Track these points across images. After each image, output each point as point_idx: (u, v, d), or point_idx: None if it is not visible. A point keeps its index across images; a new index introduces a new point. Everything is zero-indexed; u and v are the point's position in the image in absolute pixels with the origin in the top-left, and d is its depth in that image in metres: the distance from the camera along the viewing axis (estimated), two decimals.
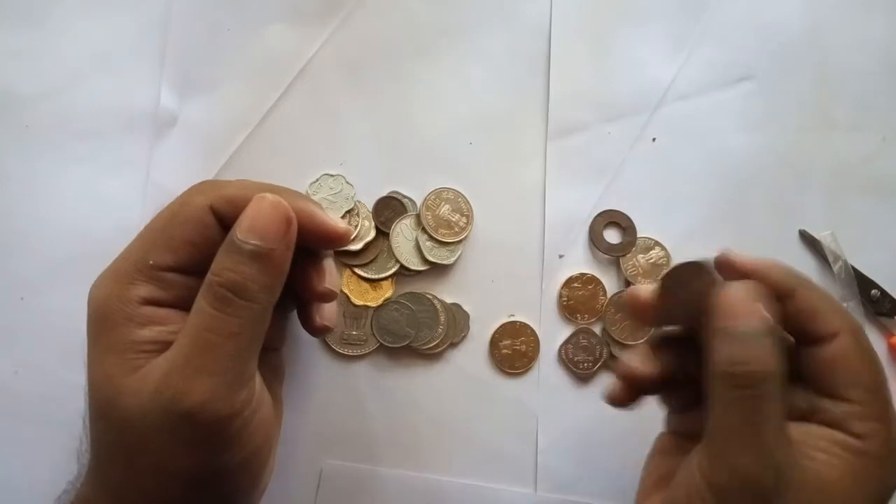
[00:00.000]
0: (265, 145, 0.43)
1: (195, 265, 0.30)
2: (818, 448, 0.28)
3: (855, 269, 0.42)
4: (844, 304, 0.41)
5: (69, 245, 0.41)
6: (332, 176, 0.42)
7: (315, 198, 0.42)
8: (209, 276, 0.28)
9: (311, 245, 0.32)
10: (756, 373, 0.27)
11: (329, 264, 0.34)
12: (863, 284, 0.41)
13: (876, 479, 0.28)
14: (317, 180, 0.42)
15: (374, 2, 0.44)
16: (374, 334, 0.40)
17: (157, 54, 0.43)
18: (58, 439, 0.39)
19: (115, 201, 0.42)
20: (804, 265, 0.42)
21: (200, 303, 0.28)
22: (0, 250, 0.41)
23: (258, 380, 0.30)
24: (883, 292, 0.41)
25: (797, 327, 0.29)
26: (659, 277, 0.30)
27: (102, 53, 0.43)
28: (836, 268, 0.41)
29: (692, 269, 0.30)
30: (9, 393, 0.40)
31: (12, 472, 0.39)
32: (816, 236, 0.42)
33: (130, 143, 0.42)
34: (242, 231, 0.28)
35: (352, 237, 0.34)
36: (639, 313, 0.32)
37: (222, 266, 0.28)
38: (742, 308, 0.28)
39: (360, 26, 0.44)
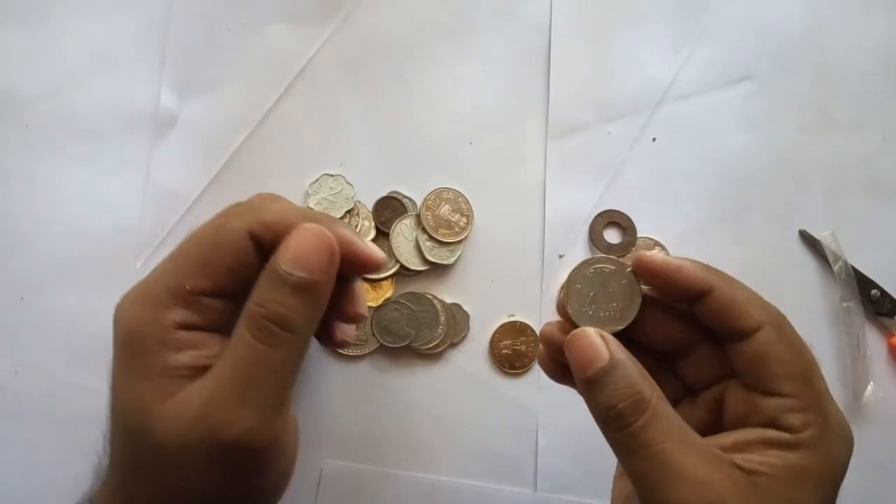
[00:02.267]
0: (265, 145, 0.43)
1: (230, 289, 0.29)
2: (752, 451, 0.27)
3: (855, 269, 0.42)
4: (844, 305, 0.41)
5: (69, 245, 0.41)
6: (332, 176, 0.42)
7: (315, 198, 0.42)
8: (251, 306, 0.28)
9: (347, 272, 0.31)
10: (624, 409, 0.27)
11: (359, 287, 0.34)
12: (863, 284, 0.41)
13: (815, 471, 0.26)
14: (317, 180, 0.42)
15: (374, 2, 0.44)
16: (374, 334, 0.40)
17: (157, 54, 0.43)
18: (58, 439, 0.39)
19: (115, 201, 0.42)
20: (804, 265, 0.42)
21: (242, 332, 0.28)
22: (0, 250, 0.41)
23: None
24: (883, 292, 0.41)
25: (720, 325, 0.29)
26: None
27: (102, 53, 0.43)
28: (836, 268, 0.41)
29: (614, 275, 0.30)
30: (9, 393, 0.40)
31: (12, 471, 0.39)
32: (816, 236, 0.42)
33: (130, 143, 0.42)
34: (287, 263, 0.28)
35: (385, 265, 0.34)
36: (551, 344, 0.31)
37: (266, 297, 0.28)
38: (585, 358, 0.28)
39: (360, 26, 0.44)
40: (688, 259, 0.29)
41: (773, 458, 0.26)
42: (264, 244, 0.29)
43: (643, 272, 0.29)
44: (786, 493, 0.26)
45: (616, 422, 0.27)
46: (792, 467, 0.26)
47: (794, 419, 0.27)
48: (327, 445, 0.40)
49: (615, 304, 0.29)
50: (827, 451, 0.27)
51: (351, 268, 0.31)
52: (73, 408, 0.38)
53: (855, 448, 0.41)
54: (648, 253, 0.30)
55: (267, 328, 0.28)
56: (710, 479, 0.26)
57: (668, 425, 0.27)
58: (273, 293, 0.28)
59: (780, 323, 0.28)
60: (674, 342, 0.30)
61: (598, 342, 0.28)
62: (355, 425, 0.41)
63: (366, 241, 0.31)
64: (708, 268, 0.29)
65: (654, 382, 0.27)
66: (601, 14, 0.44)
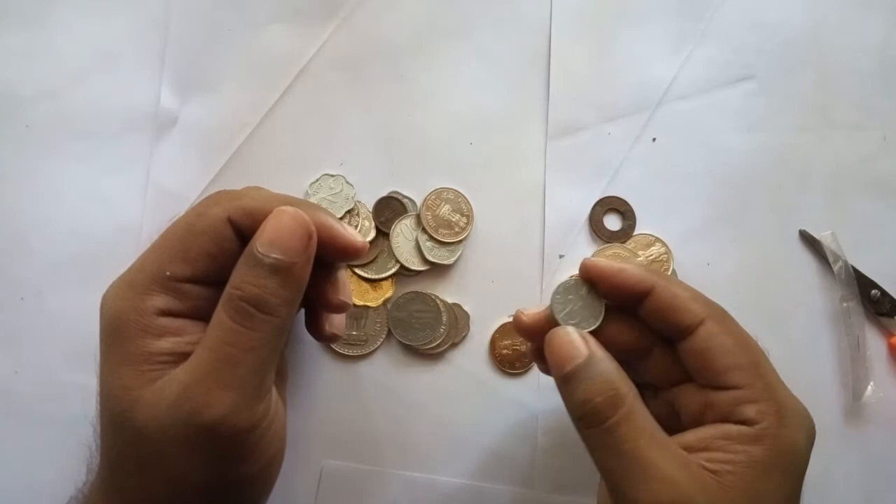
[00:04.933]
0: (265, 145, 0.43)
1: (211, 276, 0.30)
2: (716, 449, 0.27)
3: (855, 269, 0.42)
4: (844, 305, 0.41)
5: (69, 245, 0.41)
6: (332, 176, 0.42)
7: (315, 198, 0.42)
8: (229, 289, 0.28)
9: (327, 258, 0.32)
10: (600, 404, 0.27)
11: (342, 276, 0.34)
12: (863, 284, 0.41)
13: (778, 462, 0.27)
14: (317, 180, 0.42)
15: (374, 2, 0.44)
16: (388, 327, 0.40)
17: (157, 54, 0.43)
18: (58, 439, 0.39)
19: (115, 201, 0.42)
20: (804, 265, 0.42)
21: (220, 316, 0.28)
22: (0, 250, 0.41)
23: (273, 390, 0.30)
24: (883, 292, 0.41)
25: (664, 323, 0.30)
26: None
27: (102, 53, 0.43)
28: (836, 268, 0.41)
29: (576, 285, 0.31)
30: (9, 393, 0.40)
31: (12, 471, 0.39)
32: (816, 236, 0.42)
33: (130, 143, 0.42)
34: (263, 244, 0.28)
35: (367, 251, 0.34)
36: (526, 334, 0.32)
37: (243, 279, 0.28)
38: (563, 354, 0.28)
39: (360, 26, 0.44)
40: (625, 264, 0.30)
41: (737, 454, 0.27)
42: (244, 230, 0.30)
43: (590, 277, 0.30)
44: (752, 488, 0.26)
45: (592, 416, 0.27)
46: (756, 461, 0.27)
47: (749, 411, 0.27)
48: (327, 445, 0.40)
49: (584, 311, 0.31)
50: (787, 440, 0.27)
51: (332, 253, 0.31)
52: (73, 408, 0.38)
53: (855, 448, 0.42)
54: (593, 258, 0.31)
55: (244, 310, 0.28)
56: (679, 478, 0.26)
57: (643, 423, 0.27)
58: (249, 275, 0.28)
59: (722, 316, 0.29)
60: (632, 346, 0.31)
61: (576, 339, 0.28)
62: (355, 425, 0.41)
63: (346, 227, 0.31)
64: (649, 269, 0.30)
65: (630, 381, 0.28)
66: (601, 14, 0.44)
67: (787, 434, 0.27)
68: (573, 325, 0.30)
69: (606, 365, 0.28)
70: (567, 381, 0.28)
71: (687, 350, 0.29)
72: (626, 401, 0.27)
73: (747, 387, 0.28)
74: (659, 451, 0.26)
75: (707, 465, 0.27)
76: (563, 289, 0.31)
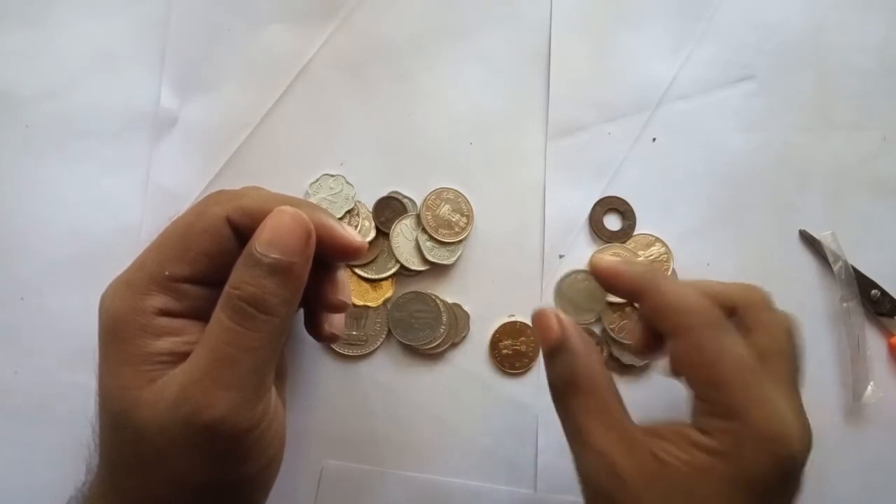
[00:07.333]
0: (265, 145, 0.43)
1: (210, 276, 0.30)
2: (674, 445, 0.29)
3: (855, 269, 0.42)
4: (844, 305, 0.41)
5: (69, 245, 0.41)
6: (332, 176, 0.42)
7: (315, 198, 0.42)
8: (228, 289, 0.28)
9: (326, 258, 0.31)
10: (559, 385, 0.31)
11: (342, 275, 0.34)
12: (863, 284, 0.41)
13: (727, 477, 0.27)
14: (317, 180, 0.42)
15: (374, 2, 0.44)
16: (389, 327, 0.40)
17: (157, 54, 0.43)
18: (58, 439, 0.39)
19: (115, 201, 0.42)
20: (804, 265, 0.42)
21: (219, 316, 0.28)
22: (0, 250, 0.41)
23: (273, 390, 0.30)
24: (883, 292, 0.41)
25: (659, 324, 0.31)
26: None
27: (102, 53, 0.43)
28: (836, 268, 0.41)
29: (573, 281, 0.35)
30: (9, 393, 0.40)
31: (12, 471, 0.40)
32: (816, 236, 0.42)
33: (130, 143, 0.42)
34: (262, 244, 0.28)
35: (367, 251, 0.34)
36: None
37: (242, 279, 0.28)
38: (541, 333, 0.31)
39: (360, 26, 0.44)
40: (635, 262, 0.32)
41: (685, 453, 0.28)
42: (243, 230, 0.30)
43: (594, 273, 0.33)
44: (689, 485, 0.28)
45: (553, 393, 0.31)
46: (699, 466, 0.28)
47: (707, 424, 0.29)
48: (327, 445, 0.40)
49: (586, 303, 0.35)
50: (739, 460, 0.28)
51: (331, 253, 0.31)
52: (73, 407, 0.38)
53: (855, 448, 0.42)
54: (600, 255, 0.33)
55: (243, 310, 0.28)
56: (613, 453, 0.28)
57: (595, 406, 0.30)
58: (248, 275, 0.28)
59: (711, 327, 0.30)
60: (642, 339, 0.34)
61: (552, 320, 0.31)
62: (355, 425, 0.41)
63: (345, 227, 0.31)
64: (650, 270, 0.32)
65: (598, 365, 0.30)
66: (601, 14, 0.44)
67: (743, 455, 0.28)
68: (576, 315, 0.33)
69: (572, 350, 0.30)
70: (545, 358, 0.31)
71: (674, 352, 0.31)
72: (580, 387, 0.30)
73: (710, 401, 0.29)
74: (603, 431, 0.29)
75: (657, 451, 0.28)
76: (563, 283, 0.34)
